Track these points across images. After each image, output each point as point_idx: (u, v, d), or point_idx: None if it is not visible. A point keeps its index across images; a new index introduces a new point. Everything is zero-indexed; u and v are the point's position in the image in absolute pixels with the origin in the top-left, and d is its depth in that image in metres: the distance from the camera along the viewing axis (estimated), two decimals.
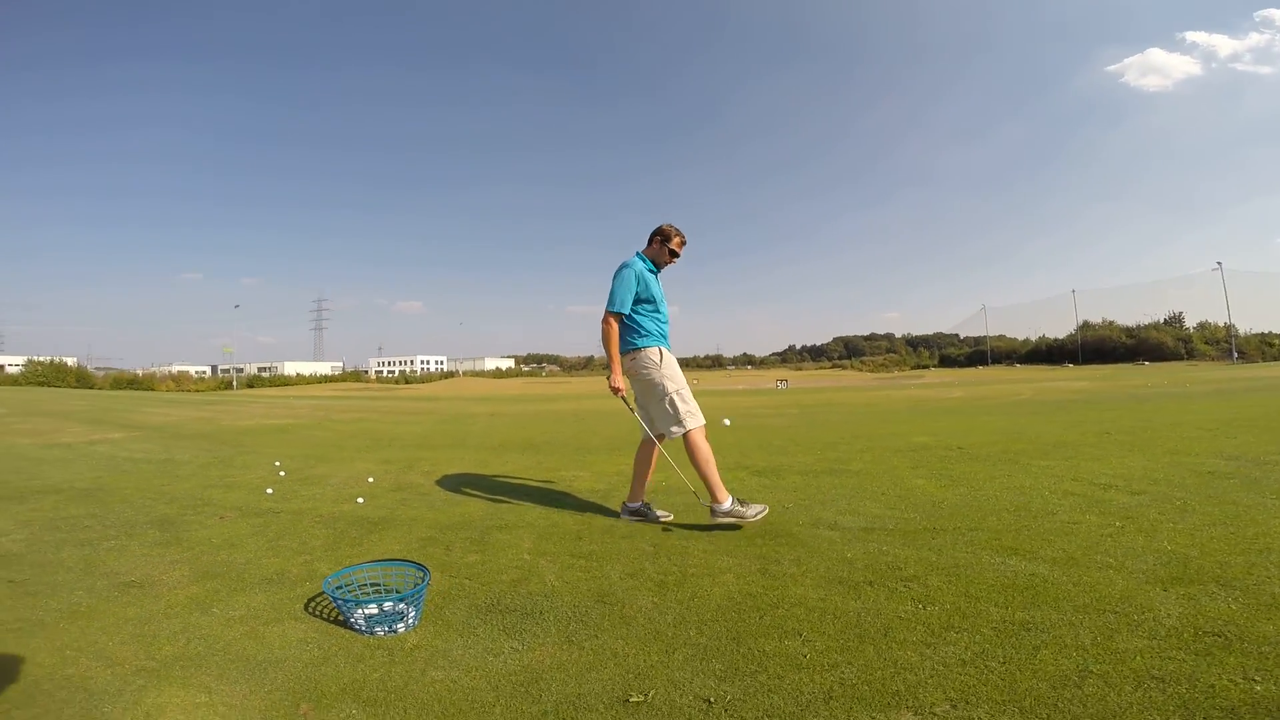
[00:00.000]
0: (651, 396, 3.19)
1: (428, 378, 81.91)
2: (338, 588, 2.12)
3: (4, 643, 1.87)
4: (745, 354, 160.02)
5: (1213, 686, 1.41)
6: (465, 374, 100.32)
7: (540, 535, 2.96)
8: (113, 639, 1.90)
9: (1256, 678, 1.44)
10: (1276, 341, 57.89)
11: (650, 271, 3.25)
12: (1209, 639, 1.63)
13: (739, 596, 2.12)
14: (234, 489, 4.27)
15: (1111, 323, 75.12)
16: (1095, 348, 67.16)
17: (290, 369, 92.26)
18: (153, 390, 40.18)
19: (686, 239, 3.36)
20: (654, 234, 3.32)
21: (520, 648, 1.81)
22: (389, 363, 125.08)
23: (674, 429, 3.10)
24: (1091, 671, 1.51)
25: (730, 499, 3.00)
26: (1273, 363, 44.60)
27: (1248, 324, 64.27)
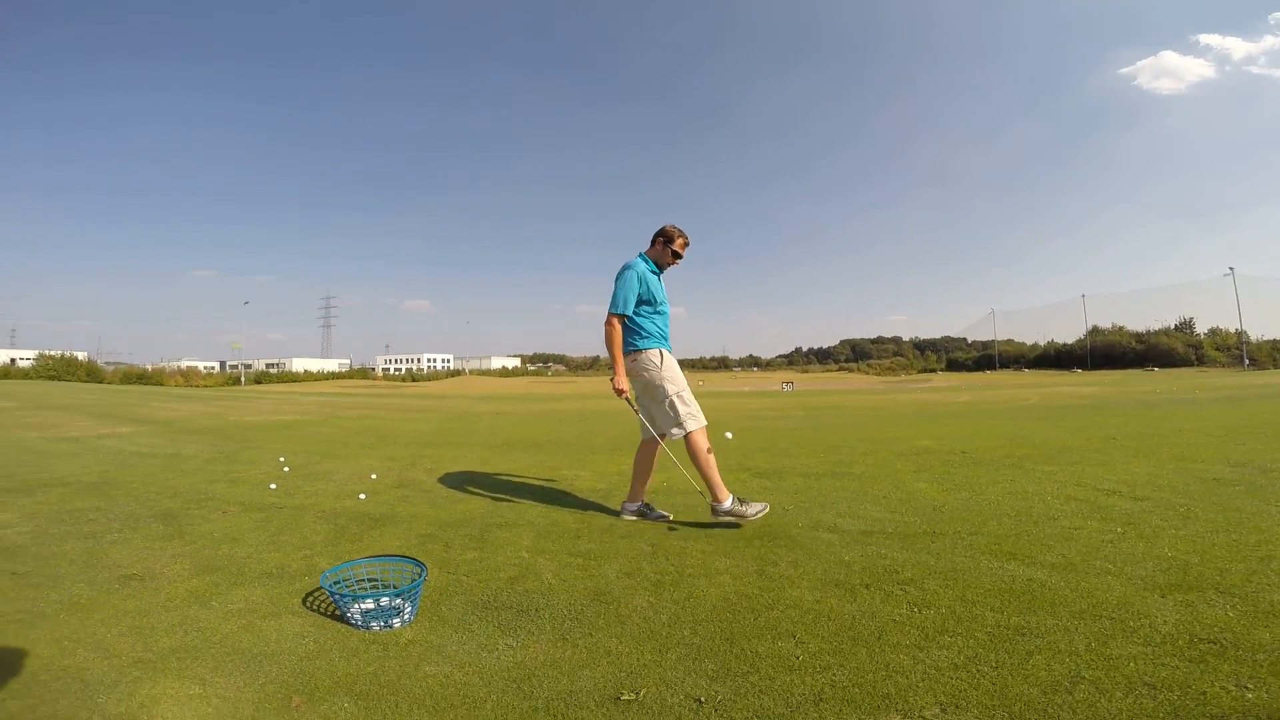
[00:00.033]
0: (652, 398, 3.20)
1: (434, 376, 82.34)
2: (335, 583, 2.13)
3: (4, 634, 1.90)
4: (751, 355, 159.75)
5: (1204, 694, 1.40)
6: (471, 373, 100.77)
7: (539, 533, 2.97)
8: (111, 631, 1.92)
9: (1249, 685, 1.43)
10: None
11: (653, 273, 3.26)
12: (1204, 646, 1.62)
13: (735, 597, 2.13)
14: (238, 484, 4.31)
15: (1121, 328, 74.61)
16: (1104, 353, 66.67)
17: (298, 366, 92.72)
18: (162, 385, 40.52)
19: (690, 240, 3.36)
20: (657, 235, 3.32)
21: (515, 644, 1.81)
22: (396, 361, 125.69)
23: (674, 431, 3.11)
24: (1083, 677, 1.50)
25: (731, 498, 3.02)
26: None
27: (1260, 330, 63.67)
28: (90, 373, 48.21)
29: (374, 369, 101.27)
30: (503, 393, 28.68)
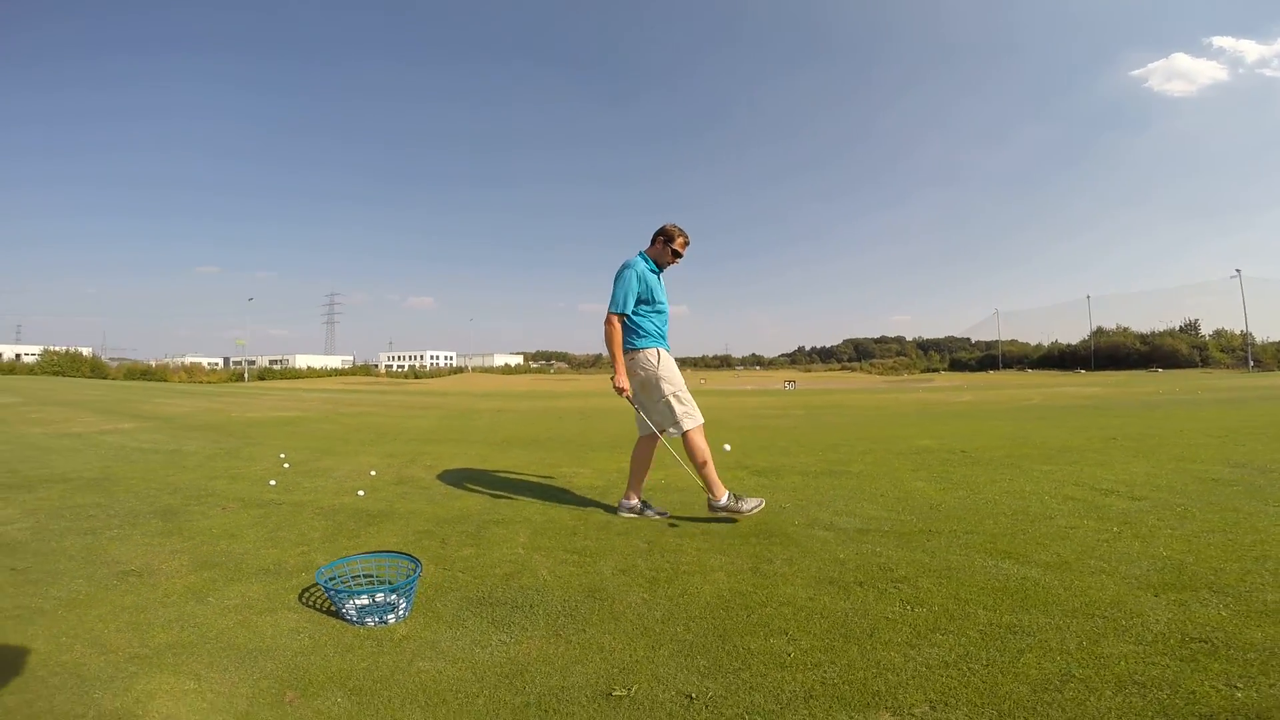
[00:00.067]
0: (649, 397, 3.21)
1: (437, 373, 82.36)
2: (330, 579, 2.14)
3: (3, 630, 1.91)
4: (754, 354, 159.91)
5: (1194, 693, 1.40)
6: (474, 370, 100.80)
7: (536, 530, 2.98)
8: (108, 626, 1.93)
9: (1239, 685, 1.43)
10: None
11: (652, 272, 3.26)
12: (1195, 645, 1.63)
13: (729, 594, 2.13)
14: (238, 480, 4.32)
15: (1126, 329, 74.20)
16: (1109, 354, 66.34)
17: (301, 362, 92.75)
18: (165, 381, 40.61)
19: (690, 239, 3.36)
20: (657, 234, 3.32)
21: (508, 640, 1.82)
22: (399, 357, 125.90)
23: (671, 430, 3.13)
24: (1074, 676, 1.50)
25: (727, 494, 3.05)
26: None
27: (1266, 332, 63.31)
28: (94, 368, 48.40)
29: (377, 366, 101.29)
30: (505, 390, 28.67)
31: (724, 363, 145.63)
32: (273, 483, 4.16)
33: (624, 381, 3.15)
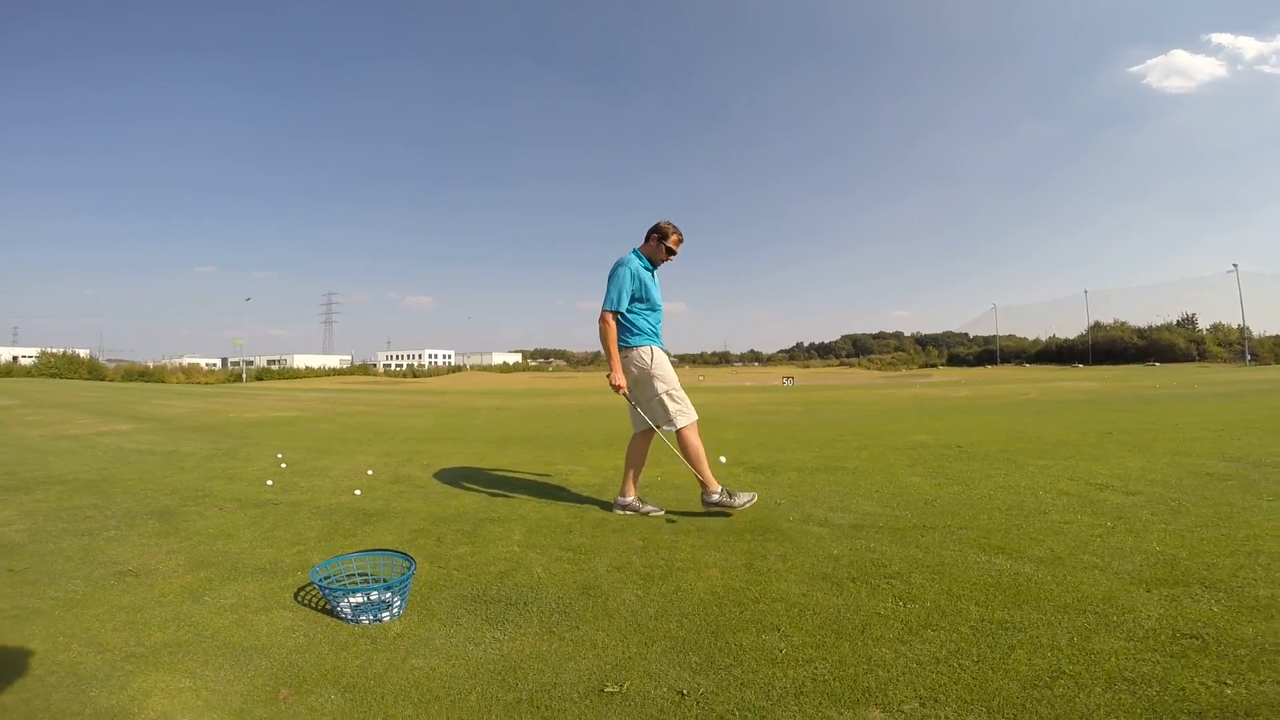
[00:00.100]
0: (643, 394, 3.21)
1: (435, 372, 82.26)
2: (324, 578, 2.15)
3: (0, 630, 1.92)
4: (753, 350, 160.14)
5: (1183, 689, 1.41)
6: (472, 368, 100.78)
7: (531, 528, 2.98)
8: (105, 626, 1.94)
9: (1228, 681, 1.44)
10: None
11: (646, 269, 3.26)
12: (1186, 641, 1.64)
13: (722, 591, 2.14)
14: (235, 480, 4.33)
15: (1123, 324, 74.30)
16: (1106, 348, 66.49)
17: (299, 362, 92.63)
18: (163, 382, 40.55)
19: (684, 237, 3.36)
20: (651, 231, 3.32)
21: (502, 637, 1.83)
22: (397, 357, 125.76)
23: (665, 427, 3.15)
24: (1064, 672, 1.51)
25: (720, 489, 3.08)
26: None
27: (1263, 327, 63.48)
28: (92, 370, 48.27)
29: (375, 365, 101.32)
30: (503, 388, 28.68)
31: (723, 359, 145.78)
32: (270, 483, 4.16)
33: (620, 379, 3.15)
